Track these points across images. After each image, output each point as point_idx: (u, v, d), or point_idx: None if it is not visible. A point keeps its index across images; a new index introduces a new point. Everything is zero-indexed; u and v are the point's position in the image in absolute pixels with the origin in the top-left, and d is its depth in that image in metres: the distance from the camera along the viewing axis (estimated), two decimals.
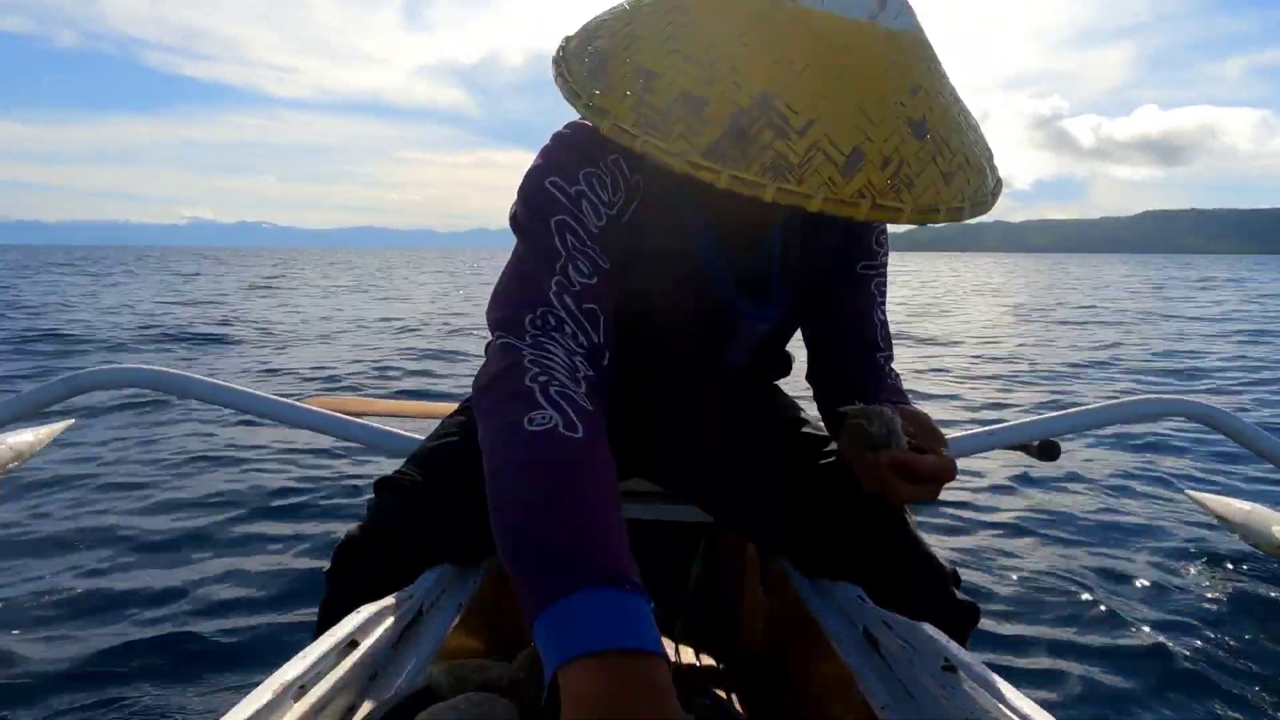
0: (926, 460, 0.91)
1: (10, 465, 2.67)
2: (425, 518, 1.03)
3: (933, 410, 1.78)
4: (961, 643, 1.01)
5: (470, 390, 0.91)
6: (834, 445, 1.18)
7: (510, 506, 0.70)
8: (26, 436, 2.95)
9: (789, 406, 1.31)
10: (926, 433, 0.95)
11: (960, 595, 1.03)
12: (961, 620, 1.02)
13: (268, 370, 7.00)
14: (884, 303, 1.20)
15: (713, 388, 1.25)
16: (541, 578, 0.63)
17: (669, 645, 1.51)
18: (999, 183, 0.78)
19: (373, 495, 1.07)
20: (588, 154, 0.90)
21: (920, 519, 1.10)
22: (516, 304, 0.84)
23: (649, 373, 1.17)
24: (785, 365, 1.39)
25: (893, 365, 1.19)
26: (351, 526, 1.03)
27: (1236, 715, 1.87)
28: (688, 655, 1.48)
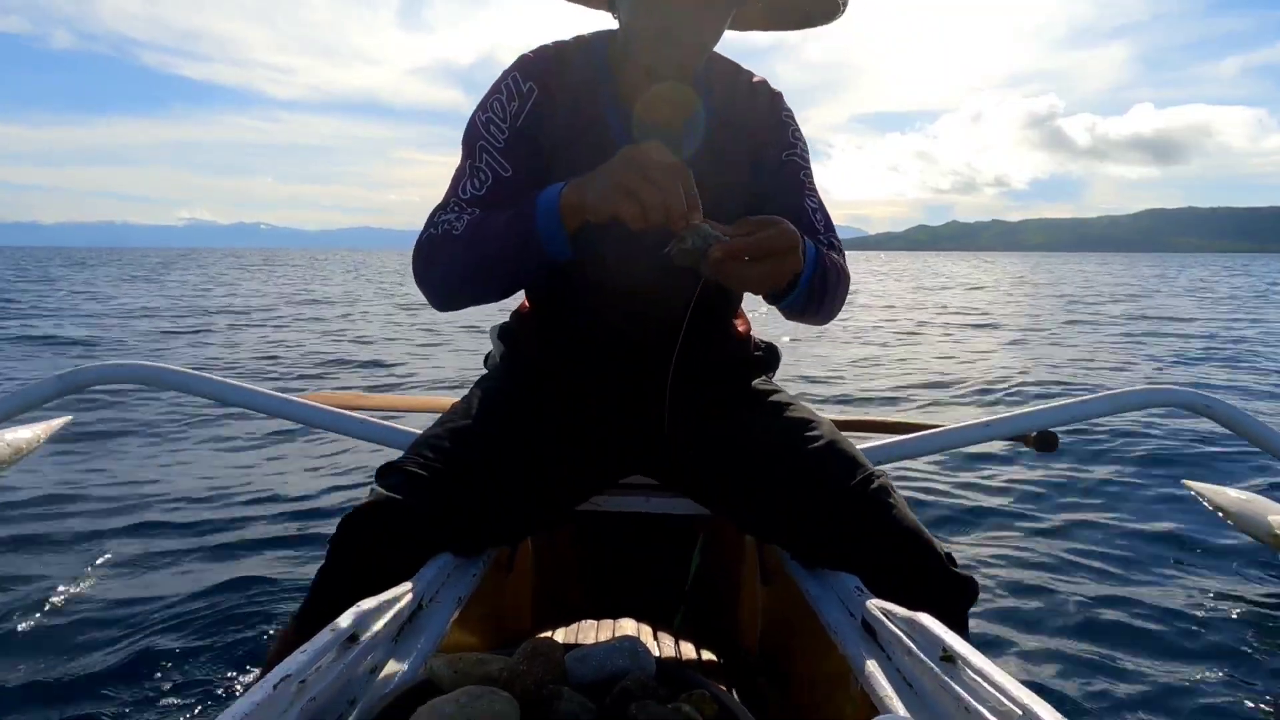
0: (747, 240, 0.92)
1: (8, 462, 2.67)
2: (428, 499, 1.03)
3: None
4: (962, 617, 1.02)
5: (474, 381, 1.25)
6: (821, 430, 1.19)
7: (473, 246, 1.05)
8: (24, 433, 2.94)
9: (777, 392, 1.31)
10: (758, 223, 0.95)
11: (958, 570, 1.04)
12: (961, 593, 1.03)
13: None
14: (814, 192, 1.25)
15: (701, 380, 1.26)
16: (513, 227, 1.01)
17: (668, 639, 1.51)
18: None
19: (375, 480, 1.08)
20: (495, 85, 1.17)
21: (921, 512, 1.10)
22: (432, 215, 1.13)
23: (629, 350, 1.22)
24: (774, 359, 1.39)
25: (834, 254, 1.20)
26: (357, 503, 1.03)
27: (1231, 704, 1.88)
28: (687, 648, 1.48)
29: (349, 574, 0.97)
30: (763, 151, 1.24)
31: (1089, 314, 14.14)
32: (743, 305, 1.41)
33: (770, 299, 1.12)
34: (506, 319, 1.42)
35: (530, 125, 1.15)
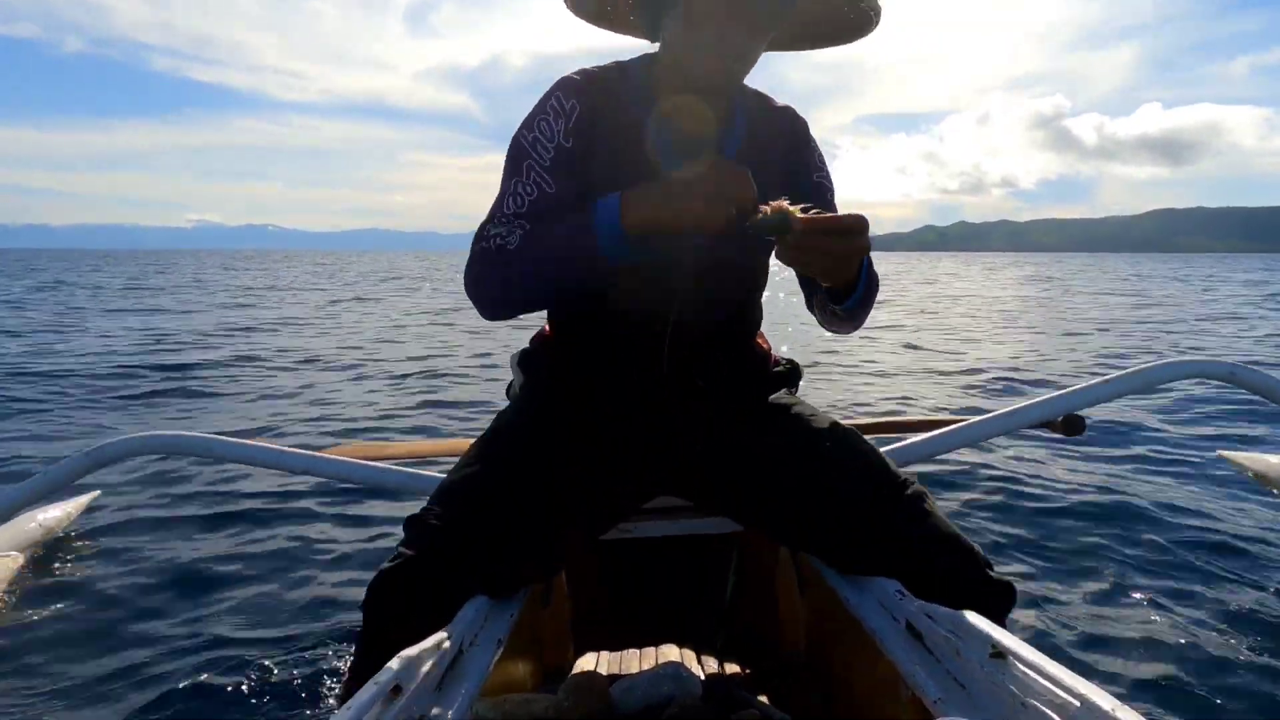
0: (828, 216, 1.00)
1: (40, 542, 2.70)
2: (455, 548, 1.03)
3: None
4: (1001, 622, 1.00)
5: (486, 425, 1.23)
6: (849, 439, 1.19)
7: (527, 254, 1.10)
8: (54, 513, 2.97)
9: (800, 404, 1.32)
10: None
11: (995, 575, 1.03)
12: (1000, 599, 1.02)
13: None
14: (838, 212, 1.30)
15: (725, 396, 1.26)
16: (571, 232, 1.08)
17: (711, 659, 1.50)
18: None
19: (403, 534, 1.07)
20: (540, 105, 1.22)
21: (955, 505, 1.09)
22: (480, 229, 1.18)
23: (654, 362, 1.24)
24: (795, 374, 1.40)
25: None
26: (384, 563, 1.03)
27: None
28: (731, 666, 1.47)
29: (387, 635, 0.96)
30: (794, 172, 1.29)
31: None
32: (762, 328, 1.42)
33: (834, 298, 1.18)
34: (526, 345, 1.43)
35: (575, 143, 1.20)
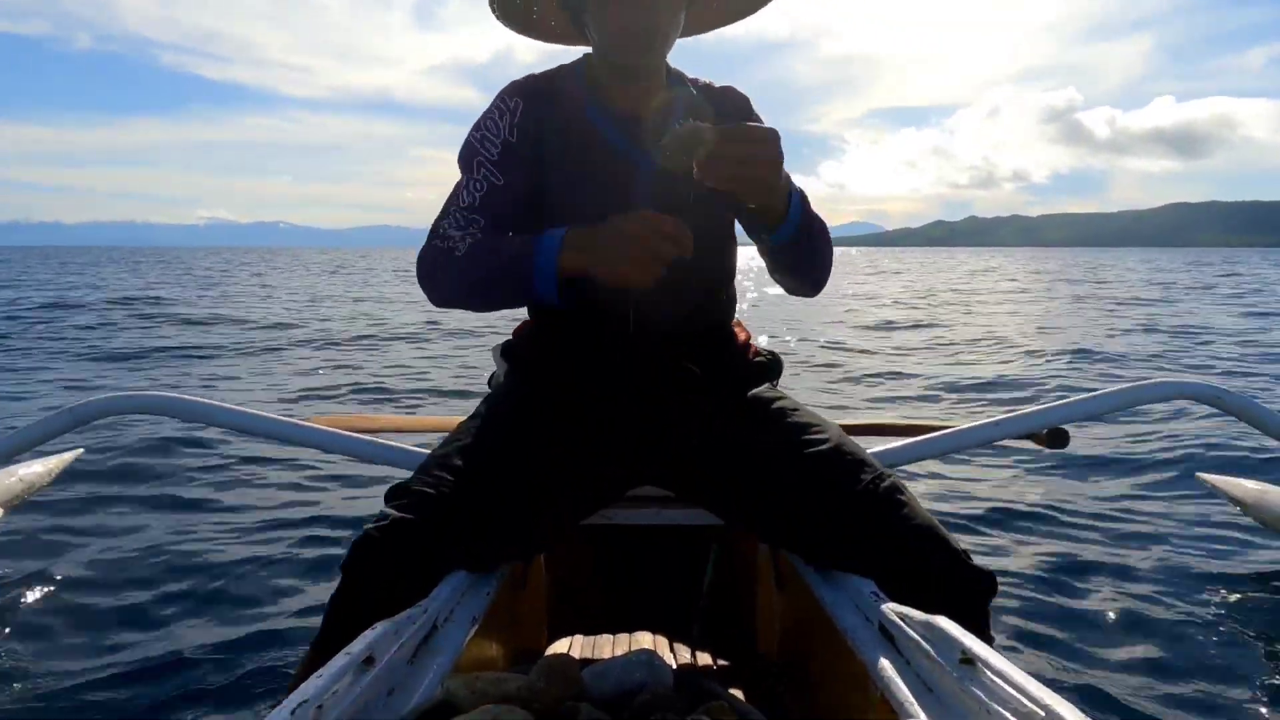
0: (741, 125, 1.05)
1: (21, 496, 2.68)
2: (440, 518, 1.04)
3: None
4: (983, 611, 1.01)
5: (478, 401, 1.29)
6: (827, 433, 1.19)
7: (470, 271, 1.17)
8: (36, 467, 2.95)
9: (781, 399, 1.32)
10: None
11: (974, 564, 1.04)
12: (980, 588, 1.03)
13: None
14: (792, 184, 1.30)
15: (704, 387, 1.27)
16: (510, 259, 1.14)
17: (685, 650, 1.51)
18: None
19: (384, 503, 1.08)
20: (488, 108, 1.29)
21: (934, 510, 1.10)
22: (435, 225, 1.26)
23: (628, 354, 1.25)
24: (777, 366, 1.40)
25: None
26: (367, 525, 1.04)
27: (1253, 701, 1.86)
28: (704, 658, 1.48)
29: (364, 597, 0.98)
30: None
31: None
32: (739, 315, 1.42)
33: (766, 234, 1.20)
34: (510, 337, 1.43)
35: (520, 137, 1.27)
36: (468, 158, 1.27)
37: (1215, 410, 1.90)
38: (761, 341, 1.44)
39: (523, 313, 1.40)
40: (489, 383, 1.56)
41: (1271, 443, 1.98)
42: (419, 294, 1.32)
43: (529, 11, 1.37)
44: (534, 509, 1.12)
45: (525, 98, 1.28)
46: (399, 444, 1.75)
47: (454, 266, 1.19)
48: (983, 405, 5.80)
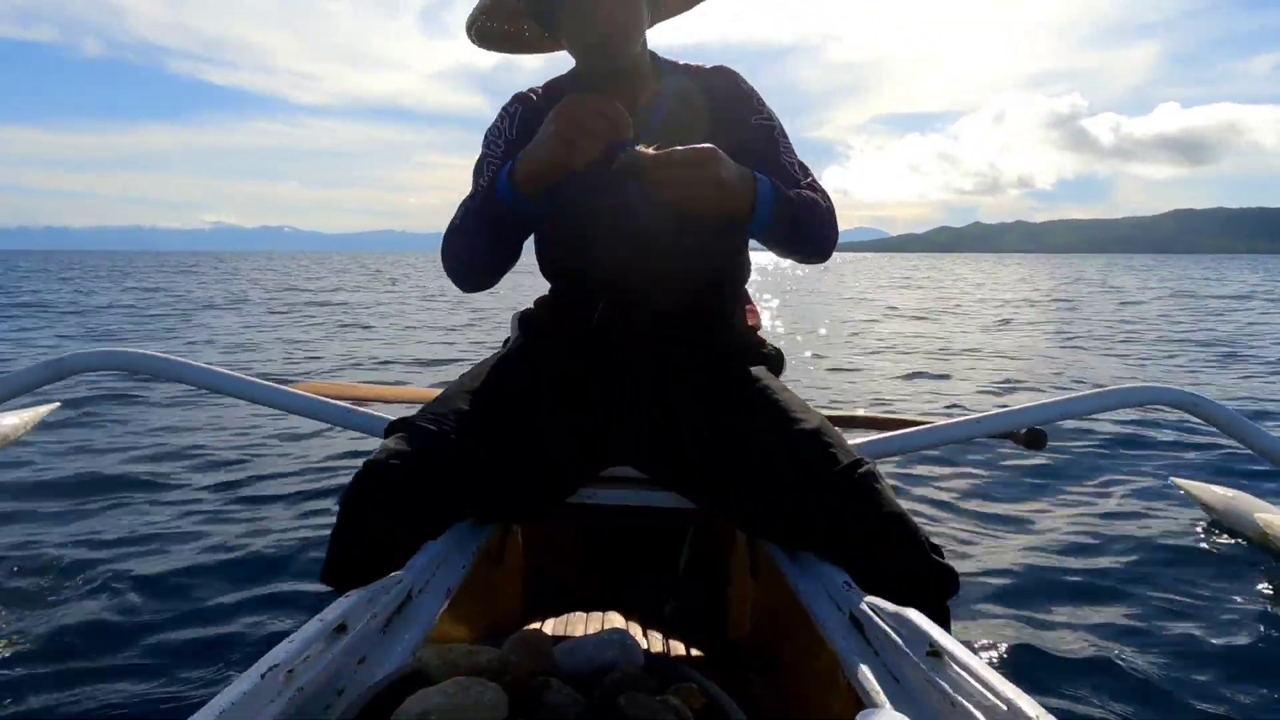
0: (677, 149, 1.09)
1: None
2: (438, 453, 1.09)
3: None
4: (942, 606, 1.03)
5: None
6: (806, 417, 1.21)
7: (467, 222, 1.26)
8: (10, 419, 2.93)
9: (764, 381, 1.33)
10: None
11: (939, 559, 1.05)
12: (940, 583, 1.04)
13: None
14: (790, 149, 1.38)
15: (692, 370, 1.29)
16: (485, 199, 1.21)
17: (657, 632, 1.52)
18: None
19: (384, 436, 1.14)
20: (495, 118, 1.40)
21: (905, 504, 1.11)
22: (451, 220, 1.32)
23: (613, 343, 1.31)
24: (777, 361, 1.42)
25: (810, 192, 1.32)
26: (370, 458, 1.06)
27: (1216, 701, 1.89)
28: (676, 641, 1.49)
29: (363, 528, 1.01)
30: (733, 119, 1.36)
31: None
32: (754, 301, 1.46)
33: (739, 232, 1.26)
34: (530, 306, 1.51)
35: (519, 134, 1.35)
36: (479, 164, 1.37)
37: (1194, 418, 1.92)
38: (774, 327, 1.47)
39: (545, 286, 1.49)
40: (504, 345, 1.57)
41: (1245, 450, 2.00)
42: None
43: (508, 33, 1.45)
44: (523, 462, 1.18)
45: (524, 103, 1.39)
46: (384, 414, 1.74)
47: (459, 233, 1.28)
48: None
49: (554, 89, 1.41)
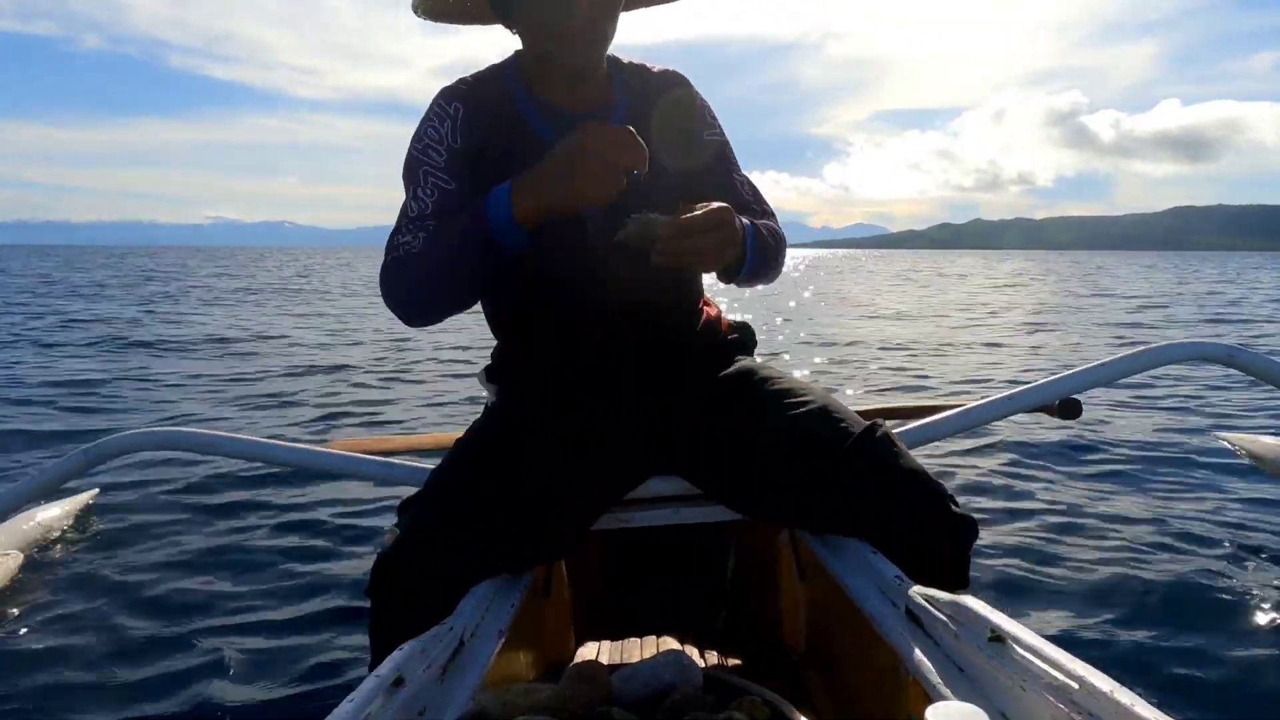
0: (688, 217, 1.03)
1: (40, 541, 2.69)
2: (455, 526, 1.05)
3: None
4: (963, 557, 1.04)
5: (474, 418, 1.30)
6: (811, 395, 1.20)
7: (431, 257, 1.13)
8: (54, 511, 2.97)
9: (761, 368, 1.32)
10: (697, 205, 1.06)
11: (958, 509, 1.05)
12: (961, 532, 1.04)
13: None
14: (737, 166, 1.35)
15: (681, 369, 1.28)
16: (465, 233, 1.09)
17: (712, 650, 1.50)
18: None
19: (396, 516, 1.09)
20: (425, 117, 1.25)
21: (951, 484, 1.10)
22: (389, 242, 1.19)
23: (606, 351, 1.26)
24: (748, 336, 1.42)
25: (767, 221, 1.28)
26: (384, 544, 1.04)
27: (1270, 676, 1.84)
28: (731, 653, 1.47)
29: (395, 617, 0.98)
30: (685, 131, 1.31)
31: None
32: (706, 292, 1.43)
33: (723, 276, 1.21)
34: (489, 362, 1.44)
35: (464, 142, 1.23)
36: (412, 169, 1.22)
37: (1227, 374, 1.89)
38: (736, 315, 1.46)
39: (490, 337, 1.41)
40: (486, 407, 1.56)
41: None
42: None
43: (458, 4, 1.34)
44: (544, 508, 1.12)
45: (464, 101, 1.25)
46: (417, 464, 1.75)
47: (413, 263, 1.14)
48: None
49: (490, 82, 1.28)
